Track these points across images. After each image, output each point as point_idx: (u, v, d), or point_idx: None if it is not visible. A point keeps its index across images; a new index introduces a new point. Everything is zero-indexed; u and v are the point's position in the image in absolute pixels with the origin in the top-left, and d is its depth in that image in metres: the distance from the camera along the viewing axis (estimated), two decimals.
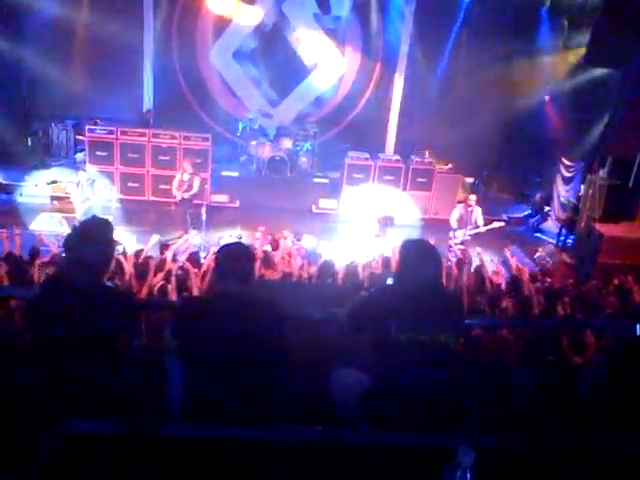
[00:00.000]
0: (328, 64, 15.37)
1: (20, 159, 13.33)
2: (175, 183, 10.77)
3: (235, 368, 2.94)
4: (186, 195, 10.65)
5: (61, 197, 11.58)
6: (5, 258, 6.16)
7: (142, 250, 7.11)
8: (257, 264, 5.99)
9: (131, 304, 3.34)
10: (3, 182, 12.38)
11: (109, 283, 4.67)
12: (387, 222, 12.25)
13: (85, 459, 2.39)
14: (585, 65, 11.81)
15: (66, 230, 8.22)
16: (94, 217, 3.26)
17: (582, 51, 11.65)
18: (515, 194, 15.21)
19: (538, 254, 11.36)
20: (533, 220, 13.90)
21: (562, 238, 12.50)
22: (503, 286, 6.85)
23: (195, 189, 10.66)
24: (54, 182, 12.03)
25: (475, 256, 8.36)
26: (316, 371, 3.55)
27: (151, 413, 2.97)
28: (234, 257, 3.11)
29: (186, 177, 10.63)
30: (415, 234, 11.40)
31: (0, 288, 4.96)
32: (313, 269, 6.77)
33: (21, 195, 11.95)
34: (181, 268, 6.26)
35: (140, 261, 6.43)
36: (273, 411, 3.00)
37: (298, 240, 8.57)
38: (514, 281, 6.82)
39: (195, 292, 5.43)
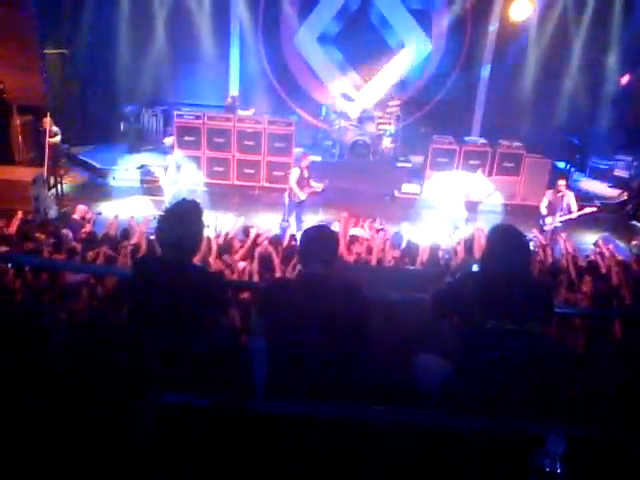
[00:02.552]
0: (413, 46, 15.13)
1: (114, 144, 13.97)
2: (294, 184, 10.19)
3: (316, 349, 2.97)
4: (308, 191, 10.28)
5: (150, 181, 12.04)
6: (102, 240, 6.46)
7: (227, 232, 7.28)
8: (340, 247, 6.01)
9: (220, 284, 3.43)
10: (98, 166, 12.99)
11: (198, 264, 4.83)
12: (473, 208, 12.00)
13: (175, 430, 2.49)
14: None
15: (155, 213, 8.53)
16: (184, 200, 3.36)
17: None
18: (610, 179, 14.53)
19: (634, 243, 10.81)
20: (630, 207, 13.18)
21: None
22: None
23: (313, 183, 10.34)
24: (144, 166, 12.51)
25: (563, 243, 8.05)
26: (398, 355, 3.55)
27: (237, 390, 3.05)
28: (317, 240, 3.14)
29: (306, 174, 10.31)
30: (502, 220, 11.11)
31: (97, 268, 5.20)
32: (396, 252, 6.73)
33: (114, 179, 12.49)
34: (264, 250, 6.35)
35: (225, 242, 6.59)
36: (354, 392, 3.01)
37: (381, 225, 8.50)
38: (593, 267, 6.54)
39: (278, 274, 5.52)
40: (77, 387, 2.90)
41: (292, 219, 10.37)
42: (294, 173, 10.33)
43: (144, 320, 3.15)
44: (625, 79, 13.53)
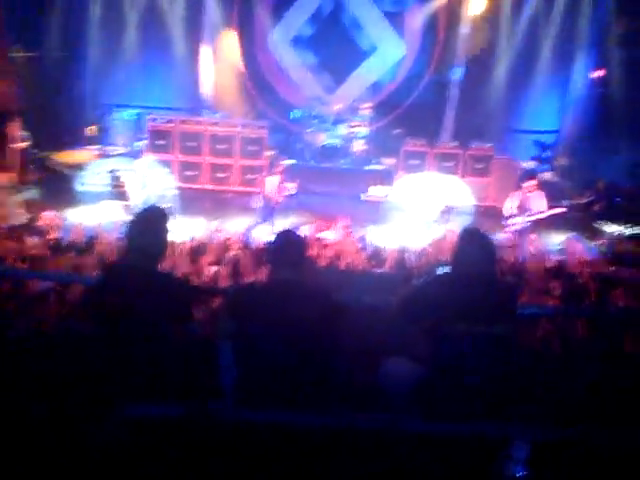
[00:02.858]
0: (386, 48, 15.20)
1: (82, 149, 13.78)
2: (272, 189, 10.22)
3: (286, 354, 2.96)
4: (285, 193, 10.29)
5: (120, 186, 11.88)
6: (67, 247, 6.37)
7: (198, 237, 7.25)
8: (309, 251, 6.02)
9: (186, 290, 3.41)
10: (66, 171, 12.78)
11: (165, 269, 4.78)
12: (443, 209, 12.09)
13: (142, 441, 2.46)
14: None
15: (124, 218, 8.44)
16: (151, 206, 3.34)
17: None
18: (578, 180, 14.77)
19: (601, 242, 10.99)
20: (596, 207, 13.42)
21: (628, 226, 12.04)
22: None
23: (286, 185, 10.36)
24: (113, 171, 12.35)
25: (531, 243, 8.17)
26: (367, 359, 3.55)
27: (205, 397, 3.03)
28: (285, 244, 3.14)
29: (277, 179, 10.33)
30: (472, 221, 11.21)
31: (63, 276, 5.13)
32: (364, 255, 6.76)
33: (83, 184, 12.31)
34: (235, 254, 6.33)
35: (195, 247, 6.55)
36: (324, 397, 3.01)
37: (352, 229, 8.53)
38: (561, 267, 6.67)
39: (248, 278, 5.50)
40: (42, 397, 2.85)
41: (265, 223, 10.35)
42: (274, 180, 10.33)
43: (111, 327, 3.12)
44: (597, 73, 13.76)
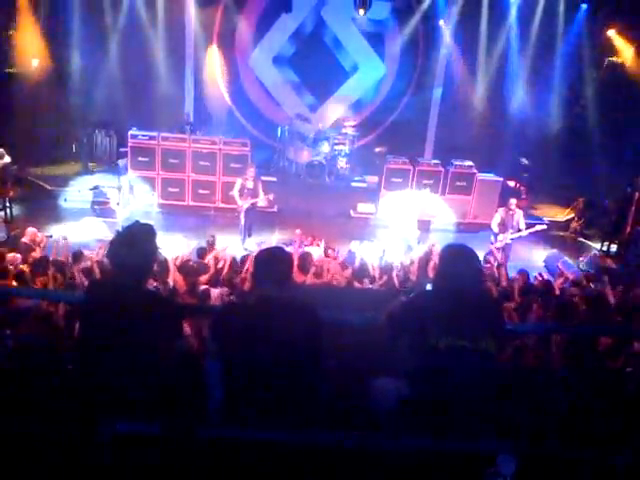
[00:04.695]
0: (367, 68, 15.38)
1: (65, 165, 13.71)
2: (236, 192, 10.42)
3: (272, 371, 2.95)
4: (250, 201, 10.36)
5: (102, 202, 11.84)
6: (52, 264, 6.31)
7: (182, 255, 7.22)
8: (295, 268, 6.03)
9: (172, 308, 3.39)
10: (49, 188, 12.71)
11: (152, 287, 4.77)
12: (426, 227, 12.18)
13: (126, 460, 2.44)
14: None
15: (108, 235, 8.39)
16: (137, 222, 3.32)
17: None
18: (558, 198, 15.02)
19: (581, 259, 11.14)
20: (576, 224, 13.63)
21: (606, 243, 12.24)
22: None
23: (261, 194, 10.44)
24: (96, 188, 12.29)
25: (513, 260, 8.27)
26: (354, 376, 3.55)
27: (191, 415, 3.01)
28: (271, 261, 3.13)
29: (250, 184, 10.38)
30: (455, 238, 11.31)
31: (48, 293, 5.08)
32: (349, 272, 6.77)
33: (66, 200, 12.23)
34: (221, 272, 6.33)
35: (180, 265, 6.53)
36: (310, 415, 3.01)
37: (333, 247, 8.54)
38: (545, 285, 6.74)
39: (237, 296, 5.50)
40: (27, 415, 2.82)
41: (248, 239, 10.38)
42: (237, 183, 10.49)
43: (96, 345, 3.09)
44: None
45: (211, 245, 7.99)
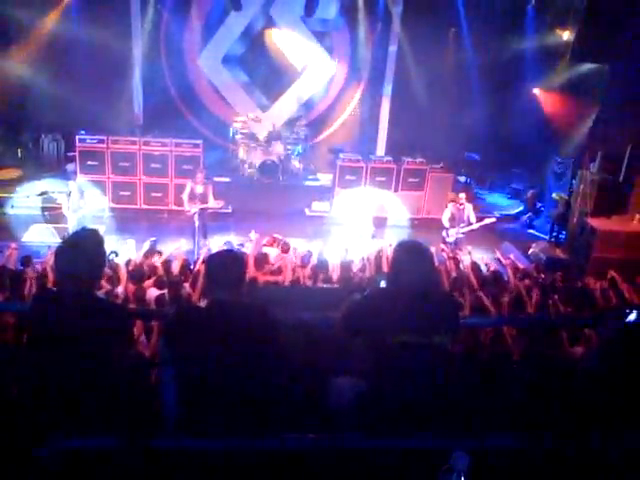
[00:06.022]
0: (317, 66, 15.39)
1: (9, 171, 13.30)
2: (186, 196, 10.24)
3: (229, 376, 2.92)
4: (199, 206, 10.16)
5: (52, 208, 11.53)
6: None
7: (134, 258, 7.09)
8: (249, 269, 5.98)
9: (122, 314, 3.31)
10: None
11: (102, 293, 4.67)
12: (380, 223, 12.26)
13: (78, 474, 2.37)
14: (571, 61, 11.90)
15: (57, 241, 8.17)
16: (83, 228, 3.24)
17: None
18: (507, 191, 15.38)
19: (532, 250, 11.38)
20: (525, 216, 13.96)
21: (554, 234, 12.55)
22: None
23: (211, 199, 10.31)
24: (45, 193, 11.97)
25: (466, 254, 8.39)
26: (313, 377, 3.54)
27: (145, 424, 2.95)
28: (223, 265, 3.09)
29: (200, 189, 10.22)
30: (408, 234, 11.43)
31: None
32: (307, 270, 6.76)
33: (12, 207, 11.89)
34: (172, 275, 6.24)
35: (132, 269, 6.40)
36: (269, 419, 2.98)
37: (287, 245, 8.51)
38: (497, 277, 6.88)
39: (188, 301, 5.42)
40: None
41: (202, 241, 10.26)
42: (187, 186, 10.35)
43: (44, 355, 3.00)
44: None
45: (153, 248, 7.83)
